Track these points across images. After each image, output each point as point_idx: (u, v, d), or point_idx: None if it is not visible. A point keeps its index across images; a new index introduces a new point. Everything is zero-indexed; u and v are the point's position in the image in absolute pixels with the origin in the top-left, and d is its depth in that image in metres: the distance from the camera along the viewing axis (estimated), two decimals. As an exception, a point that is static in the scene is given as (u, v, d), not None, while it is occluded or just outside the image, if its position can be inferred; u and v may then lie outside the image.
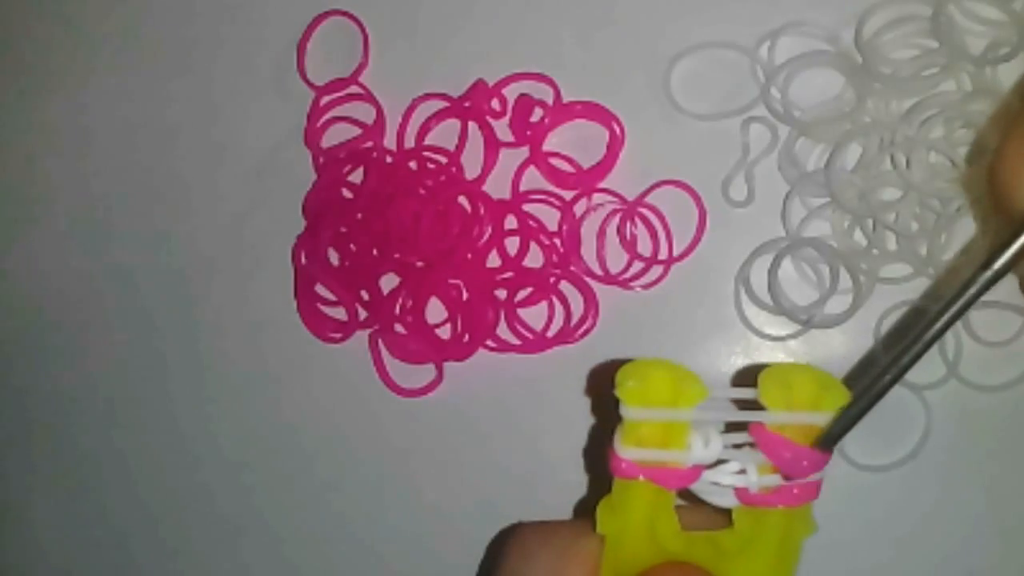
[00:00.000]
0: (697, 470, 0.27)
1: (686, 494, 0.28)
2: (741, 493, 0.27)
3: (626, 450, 0.27)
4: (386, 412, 0.43)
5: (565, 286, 0.41)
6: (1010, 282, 0.38)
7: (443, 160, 0.42)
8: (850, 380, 0.27)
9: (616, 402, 0.27)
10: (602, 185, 0.41)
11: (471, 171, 0.42)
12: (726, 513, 0.28)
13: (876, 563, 0.39)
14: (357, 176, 0.43)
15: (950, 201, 0.37)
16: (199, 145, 0.46)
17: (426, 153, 0.43)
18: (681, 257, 0.41)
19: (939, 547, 0.39)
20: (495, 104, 0.42)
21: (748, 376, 0.36)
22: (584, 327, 0.41)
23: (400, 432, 0.43)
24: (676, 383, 0.27)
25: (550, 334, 0.41)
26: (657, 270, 0.41)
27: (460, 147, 0.42)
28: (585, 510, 0.28)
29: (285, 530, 0.44)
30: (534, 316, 0.41)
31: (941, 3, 0.38)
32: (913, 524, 0.39)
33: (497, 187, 0.42)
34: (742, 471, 0.27)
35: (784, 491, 0.27)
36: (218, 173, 0.45)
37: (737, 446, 0.27)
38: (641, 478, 0.27)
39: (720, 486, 0.27)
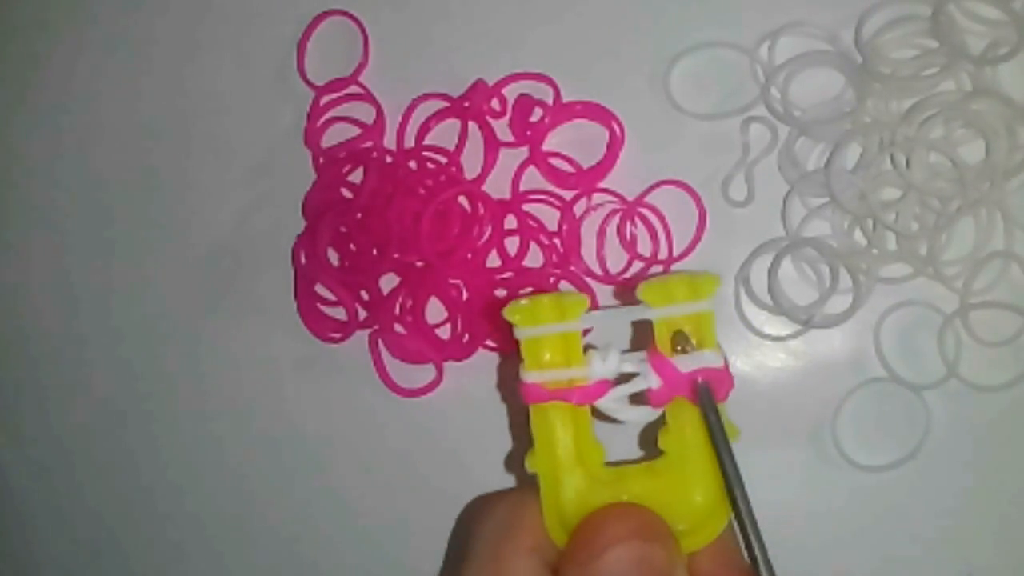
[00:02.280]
0: (603, 384, 0.29)
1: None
2: (653, 397, 0.29)
3: (530, 374, 0.29)
4: (386, 412, 0.43)
5: (565, 286, 0.41)
6: (1011, 281, 0.38)
7: (443, 160, 0.42)
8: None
9: (513, 334, 0.29)
10: (602, 185, 0.41)
11: (471, 171, 0.42)
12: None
13: (876, 563, 0.39)
14: (357, 176, 0.43)
15: (950, 201, 0.37)
16: (199, 145, 0.46)
17: (426, 153, 0.43)
18: (681, 257, 0.40)
19: (939, 547, 0.39)
20: (495, 104, 0.42)
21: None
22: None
23: (400, 432, 0.43)
24: (559, 300, 0.29)
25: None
26: (657, 270, 0.41)
27: (460, 147, 0.42)
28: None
29: (285, 529, 0.44)
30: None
31: (941, 3, 0.38)
32: (913, 524, 0.39)
33: (497, 187, 0.42)
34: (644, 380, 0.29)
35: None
36: (218, 173, 0.45)
37: (634, 369, 0.29)
38: (551, 400, 0.28)
39: (629, 399, 0.29)
